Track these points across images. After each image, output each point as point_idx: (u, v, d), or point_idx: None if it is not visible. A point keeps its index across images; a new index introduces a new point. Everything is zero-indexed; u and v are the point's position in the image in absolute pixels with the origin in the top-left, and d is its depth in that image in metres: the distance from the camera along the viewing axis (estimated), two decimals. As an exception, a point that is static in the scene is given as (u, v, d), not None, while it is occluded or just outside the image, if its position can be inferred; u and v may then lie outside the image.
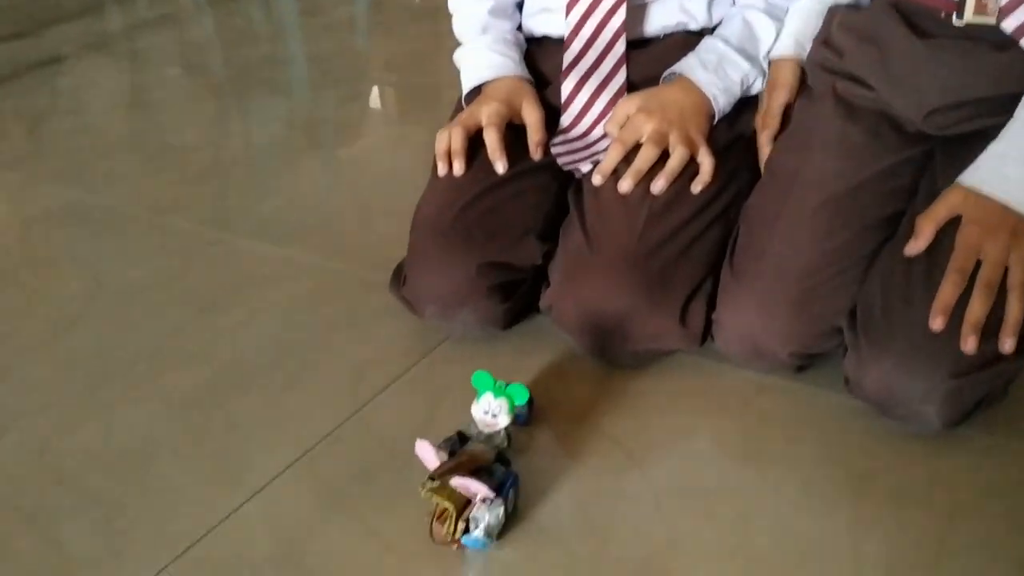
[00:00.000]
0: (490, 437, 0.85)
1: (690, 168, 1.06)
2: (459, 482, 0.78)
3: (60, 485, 0.92)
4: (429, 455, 0.80)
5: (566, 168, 1.13)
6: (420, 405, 1.02)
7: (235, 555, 0.83)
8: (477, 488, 0.78)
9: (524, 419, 0.96)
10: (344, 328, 1.18)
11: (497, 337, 1.11)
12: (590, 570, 0.80)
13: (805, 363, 1.01)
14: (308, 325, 1.19)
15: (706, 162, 1.05)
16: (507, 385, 0.84)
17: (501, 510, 0.80)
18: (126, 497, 0.90)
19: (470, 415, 0.85)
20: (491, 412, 0.83)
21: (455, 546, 0.81)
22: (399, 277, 1.12)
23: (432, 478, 0.77)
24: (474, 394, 0.86)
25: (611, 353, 1.03)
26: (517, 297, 1.09)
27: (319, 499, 0.89)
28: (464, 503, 0.80)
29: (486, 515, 0.79)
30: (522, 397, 0.84)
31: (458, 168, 1.09)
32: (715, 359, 1.06)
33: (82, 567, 0.82)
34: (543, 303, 1.07)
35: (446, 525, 0.81)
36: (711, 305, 1.03)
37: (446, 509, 0.80)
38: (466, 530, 0.80)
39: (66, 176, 1.71)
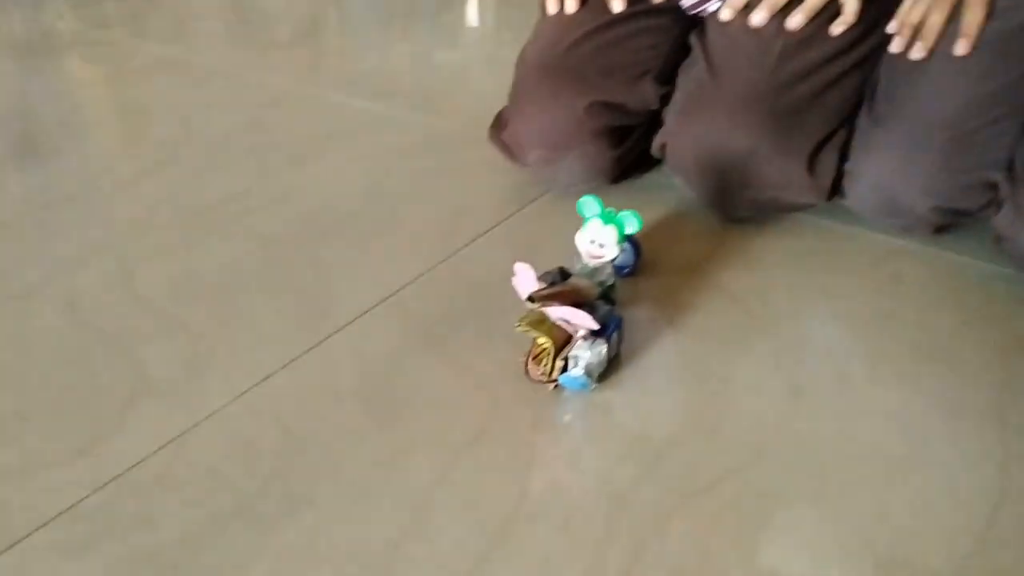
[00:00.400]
0: (595, 271, 0.77)
1: (830, 8, 0.94)
2: (559, 314, 0.71)
3: (144, 312, 0.89)
4: (529, 280, 0.73)
5: (691, 12, 1.03)
6: (516, 254, 0.93)
7: (318, 385, 0.78)
8: (580, 320, 0.71)
9: (631, 268, 0.88)
10: (439, 179, 1.11)
11: (603, 191, 1.03)
12: (697, 420, 0.73)
13: (946, 222, 0.90)
14: (401, 175, 1.13)
15: (850, 1, 0.94)
16: (617, 212, 0.76)
17: (604, 349, 0.73)
18: (208, 326, 0.86)
19: (573, 247, 0.78)
20: (598, 241, 0.76)
21: (552, 386, 0.75)
22: (500, 123, 1.05)
23: (531, 299, 0.70)
24: (576, 233, 0.79)
25: (729, 201, 0.94)
26: (628, 146, 1.00)
27: (408, 336, 0.83)
28: (564, 340, 0.73)
29: (587, 353, 0.72)
30: (634, 223, 0.75)
31: (570, 5, 1.00)
32: (843, 220, 0.96)
33: (161, 387, 0.78)
34: (656, 143, 0.98)
35: (543, 363, 0.74)
36: (843, 159, 0.92)
37: (544, 348, 0.74)
38: (564, 369, 0.73)
39: (165, 36, 1.68)
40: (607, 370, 0.76)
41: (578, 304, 0.73)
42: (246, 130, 1.27)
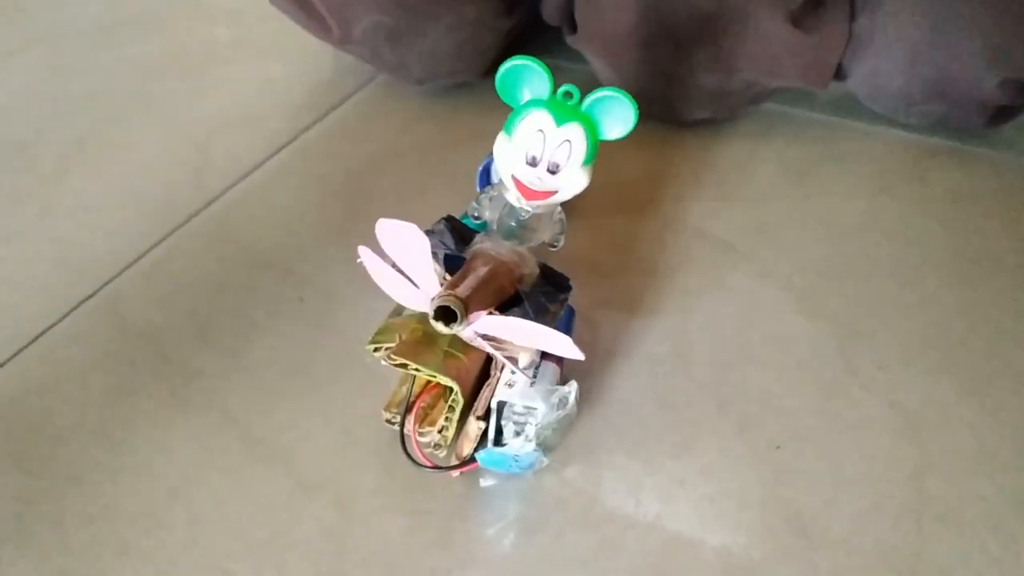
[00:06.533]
0: (522, 224, 0.38)
1: None
2: (489, 333, 0.34)
3: None
4: (380, 269, 0.34)
5: None
6: (277, 208, 0.56)
7: None
8: (523, 338, 0.33)
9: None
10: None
11: (468, 90, 0.65)
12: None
13: (1013, 103, 0.58)
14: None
15: None
16: (571, 97, 0.35)
17: (573, 394, 0.36)
18: None
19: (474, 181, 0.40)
20: (545, 160, 0.35)
21: (455, 471, 0.37)
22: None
23: (445, 315, 0.30)
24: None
25: (676, 91, 0.57)
26: (520, 8, 0.62)
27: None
28: (476, 381, 0.36)
29: (538, 403, 0.35)
30: (629, 116, 0.34)
31: None
32: (851, 115, 0.63)
33: None
34: None
35: (439, 426, 0.37)
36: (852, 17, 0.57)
37: (446, 402, 0.36)
38: (484, 436, 0.36)
39: None
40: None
41: (502, 303, 0.35)
42: None
